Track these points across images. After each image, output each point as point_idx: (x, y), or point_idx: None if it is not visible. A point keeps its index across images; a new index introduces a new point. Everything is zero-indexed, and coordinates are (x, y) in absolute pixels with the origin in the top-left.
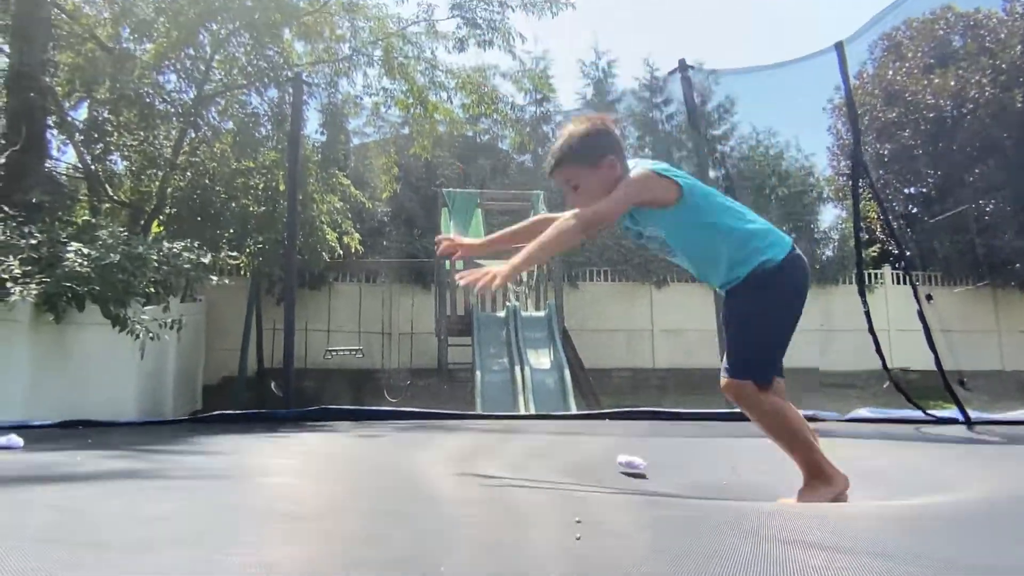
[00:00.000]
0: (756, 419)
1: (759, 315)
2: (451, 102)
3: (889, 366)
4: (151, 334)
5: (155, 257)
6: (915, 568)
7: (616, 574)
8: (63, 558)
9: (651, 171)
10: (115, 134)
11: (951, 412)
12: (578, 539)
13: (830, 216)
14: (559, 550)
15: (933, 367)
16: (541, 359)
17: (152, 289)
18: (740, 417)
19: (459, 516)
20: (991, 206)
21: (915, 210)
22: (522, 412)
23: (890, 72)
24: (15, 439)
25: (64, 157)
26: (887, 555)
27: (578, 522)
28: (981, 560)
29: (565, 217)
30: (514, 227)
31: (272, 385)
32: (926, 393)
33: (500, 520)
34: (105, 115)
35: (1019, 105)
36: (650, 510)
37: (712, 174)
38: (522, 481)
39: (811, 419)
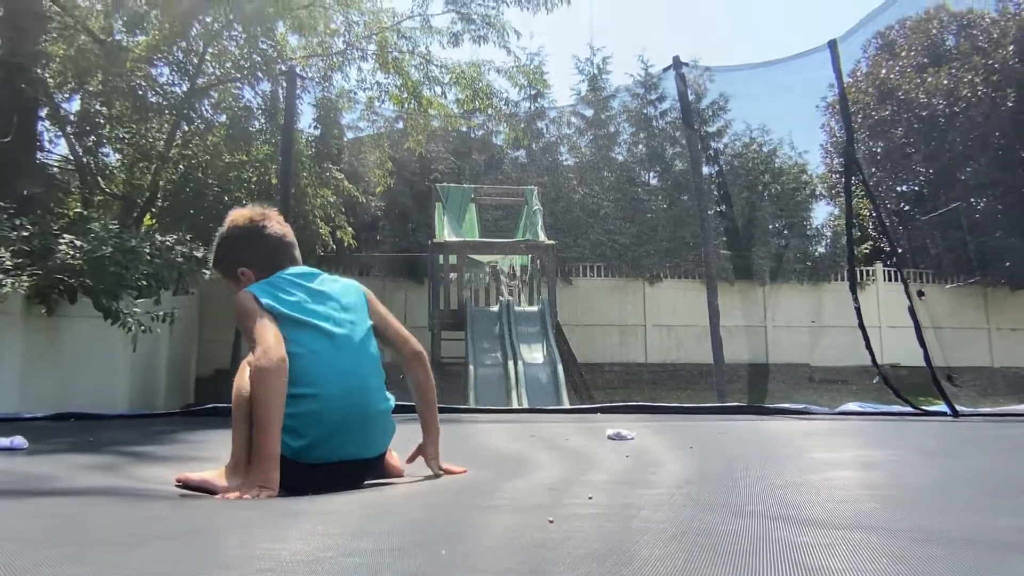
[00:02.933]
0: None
1: None
2: (445, 97)
3: (879, 362)
4: (143, 327)
5: (147, 250)
6: (894, 539)
7: (605, 552)
8: (57, 555)
9: None
10: (107, 126)
11: (939, 407)
12: (551, 522)
13: (823, 213)
14: (542, 532)
15: (922, 364)
16: (534, 353)
17: (144, 282)
18: (730, 411)
19: (448, 505)
20: (982, 204)
21: (907, 208)
22: (515, 406)
23: (883, 70)
24: (19, 440)
25: (56, 149)
26: (869, 528)
27: (590, 498)
28: (956, 532)
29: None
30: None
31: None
32: (915, 389)
33: (487, 505)
34: (97, 107)
35: (1011, 104)
36: (636, 490)
37: (705, 171)
38: (515, 468)
39: (802, 412)
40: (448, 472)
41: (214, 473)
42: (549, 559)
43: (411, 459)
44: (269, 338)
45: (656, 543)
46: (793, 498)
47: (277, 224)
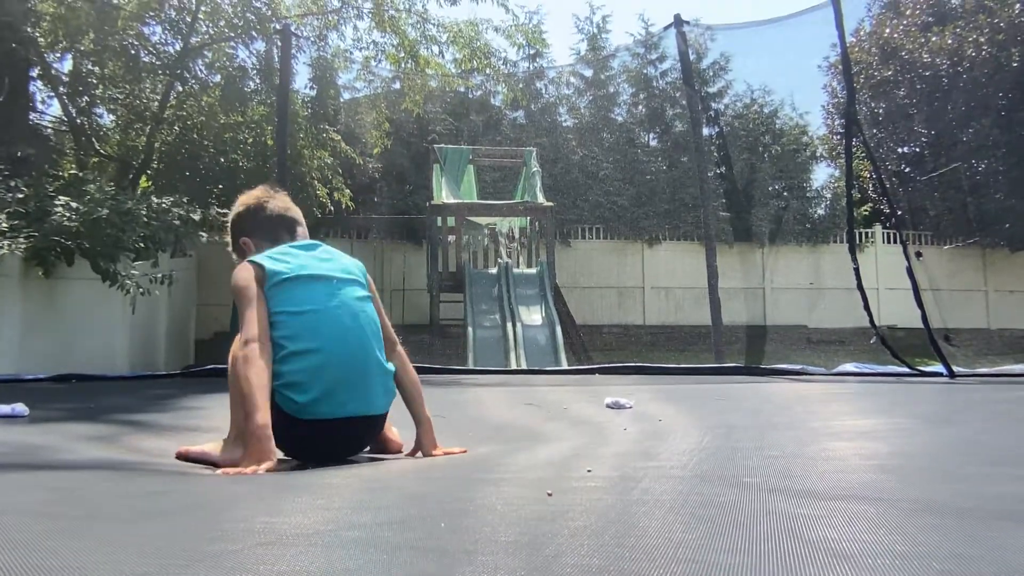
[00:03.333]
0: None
1: None
2: (443, 57)
3: (877, 323)
4: (141, 289)
5: (144, 212)
6: (891, 510)
7: (603, 523)
8: (57, 527)
9: None
10: (100, 87)
11: (936, 367)
12: (550, 495)
13: (823, 175)
14: (541, 505)
15: (920, 325)
16: (533, 315)
17: (141, 244)
18: (727, 372)
19: (447, 478)
20: (983, 165)
21: (908, 169)
22: (514, 367)
23: (887, 29)
24: (20, 408)
25: (49, 110)
26: (865, 498)
27: (589, 471)
28: (952, 501)
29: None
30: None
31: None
32: (912, 350)
33: (486, 478)
34: (90, 67)
35: (1015, 64)
36: (634, 462)
37: (705, 132)
38: (514, 440)
39: (799, 373)
40: (448, 454)
41: (213, 445)
42: (548, 532)
43: (412, 454)
44: (252, 326)
45: (654, 515)
46: (791, 468)
47: (279, 201)
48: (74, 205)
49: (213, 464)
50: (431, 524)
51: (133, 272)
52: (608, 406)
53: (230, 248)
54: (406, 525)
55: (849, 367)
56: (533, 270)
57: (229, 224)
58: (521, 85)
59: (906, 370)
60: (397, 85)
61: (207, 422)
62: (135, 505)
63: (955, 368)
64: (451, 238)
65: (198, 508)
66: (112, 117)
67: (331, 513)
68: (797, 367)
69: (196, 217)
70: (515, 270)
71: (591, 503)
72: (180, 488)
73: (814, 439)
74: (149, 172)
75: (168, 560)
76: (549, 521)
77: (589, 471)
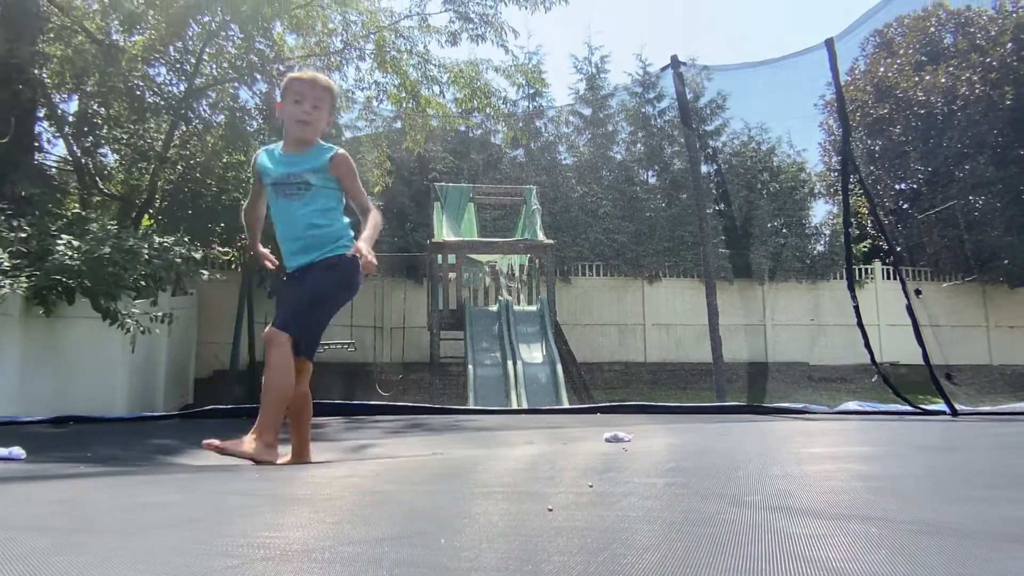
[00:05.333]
0: (268, 366)
1: (329, 291)
2: (443, 96)
3: (878, 361)
4: (141, 328)
5: (145, 251)
6: (892, 530)
7: (604, 541)
8: (57, 542)
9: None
10: (105, 127)
11: (938, 406)
12: (550, 510)
13: (821, 212)
14: (542, 520)
15: (921, 362)
16: (533, 353)
17: (143, 283)
18: (729, 411)
19: (447, 492)
20: (980, 202)
21: (905, 206)
22: (514, 407)
23: (881, 69)
24: (17, 451)
25: (54, 150)
26: (867, 518)
27: (590, 487)
28: (954, 523)
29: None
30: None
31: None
32: (914, 387)
33: (486, 493)
34: (95, 107)
35: (1009, 102)
36: (636, 479)
37: (704, 170)
38: (514, 459)
39: (801, 412)
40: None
41: (250, 444)
42: (548, 547)
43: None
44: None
45: (655, 532)
46: (792, 489)
47: None
48: (76, 243)
49: (251, 460)
50: (430, 540)
51: (134, 311)
52: (607, 440)
53: (325, 115)
54: (405, 541)
55: (852, 405)
56: (534, 307)
57: (333, 94)
58: (521, 124)
59: (909, 408)
60: (398, 124)
61: (210, 457)
62: (135, 519)
63: (957, 406)
64: (451, 275)
65: (198, 521)
66: (116, 156)
67: (330, 527)
68: (799, 406)
69: (197, 255)
70: (516, 308)
71: (592, 519)
72: (180, 501)
73: (816, 463)
74: (151, 211)
75: None
76: (550, 537)
77: (591, 487)
